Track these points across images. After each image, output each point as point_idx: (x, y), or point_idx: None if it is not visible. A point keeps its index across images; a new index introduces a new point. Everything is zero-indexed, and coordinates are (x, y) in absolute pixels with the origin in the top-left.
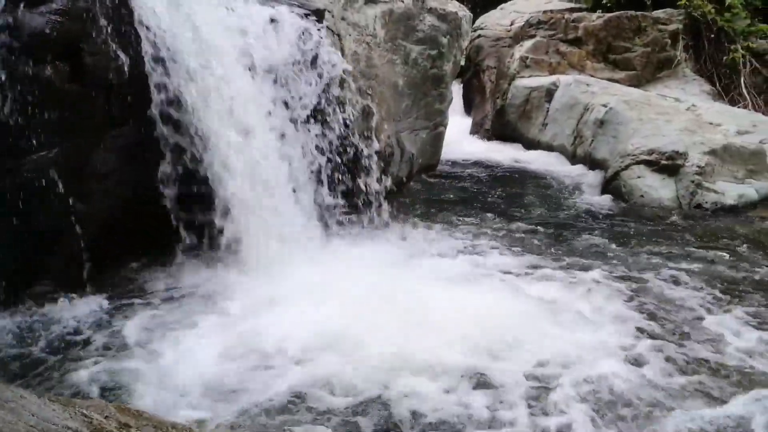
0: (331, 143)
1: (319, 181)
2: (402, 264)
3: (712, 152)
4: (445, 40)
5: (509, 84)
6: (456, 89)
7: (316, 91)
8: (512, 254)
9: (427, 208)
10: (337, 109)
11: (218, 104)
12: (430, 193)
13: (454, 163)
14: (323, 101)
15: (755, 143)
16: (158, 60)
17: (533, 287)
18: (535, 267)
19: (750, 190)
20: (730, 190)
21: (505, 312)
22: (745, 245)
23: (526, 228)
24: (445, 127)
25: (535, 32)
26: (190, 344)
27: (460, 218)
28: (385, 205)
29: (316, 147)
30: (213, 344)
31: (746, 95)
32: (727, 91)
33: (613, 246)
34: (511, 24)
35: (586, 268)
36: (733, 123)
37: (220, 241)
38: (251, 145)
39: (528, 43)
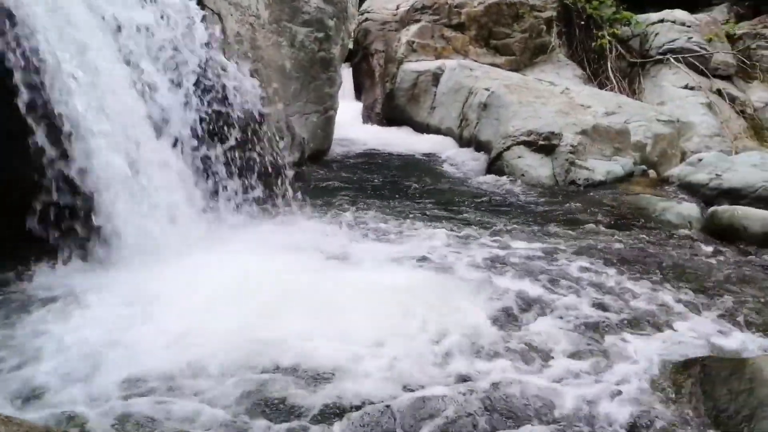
0: (217, 125)
1: (206, 167)
2: (291, 249)
3: (583, 132)
4: (331, 23)
5: (397, 68)
6: (346, 73)
7: (196, 70)
8: (400, 234)
9: (318, 193)
10: (220, 89)
11: (88, 90)
12: (321, 178)
13: (345, 148)
14: (204, 80)
15: (621, 123)
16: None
17: (414, 263)
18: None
19: (616, 166)
20: (600, 167)
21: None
22: (608, 217)
23: (416, 208)
24: (336, 111)
25: (420, 17)
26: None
27: (351, 202)
28: (280, 190)
29: (203, 129)
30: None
31: (613, 79)
32: (596, 75)
33: (495, 221)
34: (397, 8)
35: (467, 242)
36: (601, 105)
37: (91, 231)
38: (126, 132)
39: (414, 28)
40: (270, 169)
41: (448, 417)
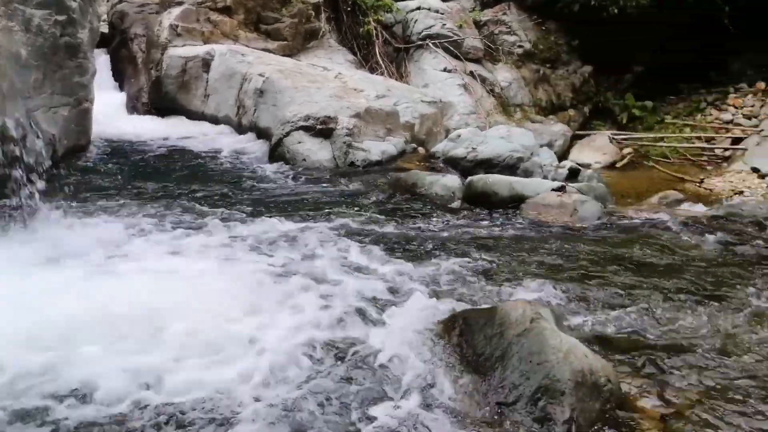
0: None
1: None
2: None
3: (357, 115)
4: (74, 4)
5: (162, 54)
6: (103, 60)
7: None
8: (175, 232)
9: (78, 194)
10: None
11: None
12: (82, 177)
13: (109, 143)
14: None
15: (390, 105)
16: None
17: (189, 256)
18: (198, 232)
19: (390, 146)
20: (375, 148)
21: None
22: (383, 194)
23: (191, 202)
24: (92, 103)
25: None
26: None
27: (116, 201)
28: (25, 196)
29: None
30: None
31: (382, 63)
32: (366, 60)
33: (271, 207)
34: None
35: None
36: (372, 89)
37: None
38: None
39: (176, 11)
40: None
41: None
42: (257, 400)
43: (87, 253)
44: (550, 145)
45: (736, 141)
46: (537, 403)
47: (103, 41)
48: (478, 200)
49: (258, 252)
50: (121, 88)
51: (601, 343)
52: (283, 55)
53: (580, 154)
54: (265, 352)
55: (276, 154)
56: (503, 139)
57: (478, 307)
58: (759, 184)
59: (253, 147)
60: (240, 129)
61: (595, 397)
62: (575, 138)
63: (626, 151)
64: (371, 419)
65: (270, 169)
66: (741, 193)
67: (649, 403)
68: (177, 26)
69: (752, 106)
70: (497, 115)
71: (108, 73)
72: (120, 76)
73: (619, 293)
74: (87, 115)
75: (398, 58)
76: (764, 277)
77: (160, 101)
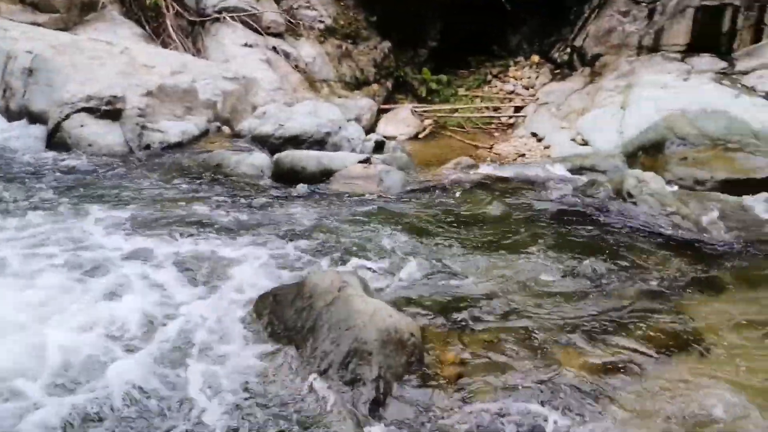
0: None
1: None
2: None
3: (150, 93)
4: None
5: None
6: None
7: None
8: None
9: None
10: None
11: None
12: None
13: None
14: None
15: (188, 82)
16: None
17: None
18: None
19: (190, 126)
20: (173, 128)
21: None
22: (185, 178)
23: None
24: None
25: None
26: None
27: None
28: None
29: None
30: None
31: (175, 38)
32: (157, 34)
33: (57, 200)
34: None
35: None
36: (165, 65)
37: None
38: None
39: None
40: None
41: None
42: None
43: None
44: (358, 120)
45: (518, 109)
46: (348, 367)
47: None
48: (287, 177)
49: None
50: None
51: (408, 302)
52: (57, 29)
53: (386, 126)
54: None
55: (55, 140)
56: (311, 114)
57: (288, 283)
58: (537, 147)
59: (26, 134)
60: (7, 114)
61: (400, 352)
62: (381, 112)
63: (427, 122)
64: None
65: (49, 157)
66: (523, 155)
67: (449, 351)
68: None
69: (529, 78)
70: (304, 91)
71: None
72: None
73: (421, 252)
74: None
75: (194, 32)
76: (543, 229)
77: None
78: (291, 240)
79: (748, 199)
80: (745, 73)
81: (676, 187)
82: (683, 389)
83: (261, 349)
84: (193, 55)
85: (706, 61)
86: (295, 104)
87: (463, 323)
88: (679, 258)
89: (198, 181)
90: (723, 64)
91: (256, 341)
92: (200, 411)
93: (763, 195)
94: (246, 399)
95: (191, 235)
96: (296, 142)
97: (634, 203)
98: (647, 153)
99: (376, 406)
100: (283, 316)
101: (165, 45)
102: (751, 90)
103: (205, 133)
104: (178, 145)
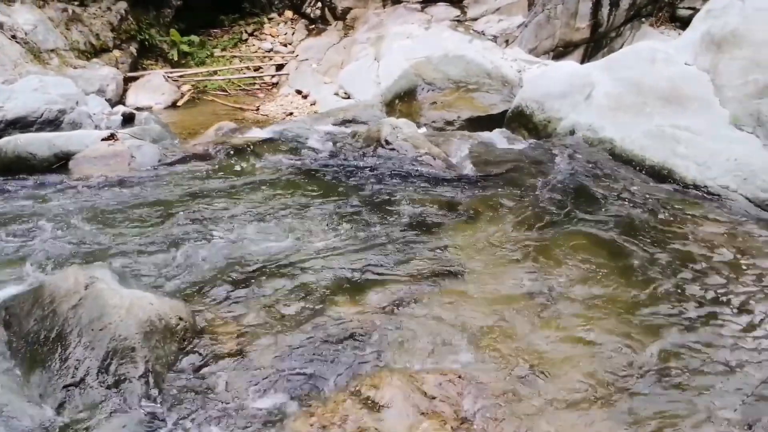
0: None
1: None
2: None
3: None
4: None
5: None
6: None
7: None
8: None
9: None
10: None
11: None
12: None
13: None
14: None
15: None
16: None
17: None
18: None
19: None
20: None
21: None
22: None
23: None
24: None
25: None
26: None
27: None
28: None
29: None
30: None
31: None
32: None
33: None
34: None
35: None
36: None
37: None
38: None
39: None
40: None
41: None
42: None
43: None
44: (101, 92)
45: (280, 67)
46: (108, 369)
47: None
48: (15, 168)
49: None
50: None
51: (180, 286)
52: None
53: (137, 96)
54: None
55: None
56: (37, 91)
57: (22, 291)
58: (304, 104)
59: None
60: None
61: (169, 339)
62: (129, 81)
63: (185, 88)
64: None
65: None
66: (291, 114)
67: (228, 324)
68: None
69: (286, 34)
70: (28, 64)
71: None
72: None
73: (186, 230)
74: None
75: None
76: (307, 186)
77: None
78: (23, 246)
79: (487, 134)
80: (475, 19)
81: (429, 130)
82: (449, 307)
83: None
84: None
85: (442, 10)
86: (18, 80)
87: (242, 293)
88: (431, 194)
89: None
90: (456, 11)
91: None
92: None
93: (500, 129)
94: None
95: None
96: (23, 125)
97: (392, 149)
98: (403, 100)
99: (151, 401)
100: (22, 330)
101: None
102: (481, 34)
103: None
104: None
